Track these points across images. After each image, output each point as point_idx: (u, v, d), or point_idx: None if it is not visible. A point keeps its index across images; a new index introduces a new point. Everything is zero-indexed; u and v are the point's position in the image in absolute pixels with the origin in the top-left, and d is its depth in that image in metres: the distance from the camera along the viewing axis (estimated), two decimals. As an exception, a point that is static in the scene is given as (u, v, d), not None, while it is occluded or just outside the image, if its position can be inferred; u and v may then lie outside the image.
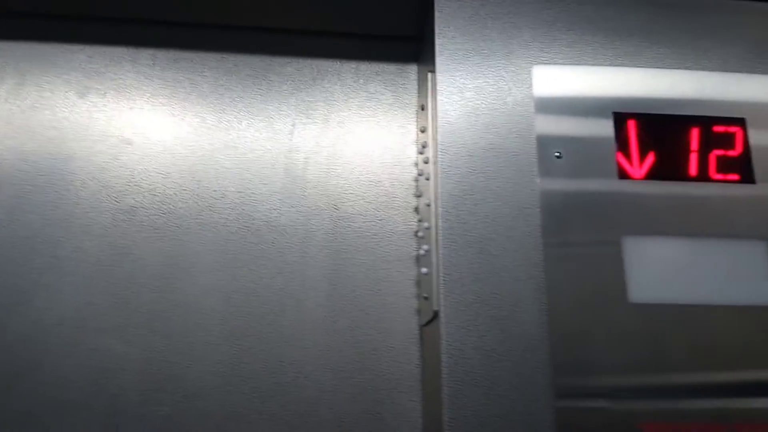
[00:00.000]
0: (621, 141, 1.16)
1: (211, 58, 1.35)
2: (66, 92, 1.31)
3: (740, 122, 1.18)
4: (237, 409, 1.13)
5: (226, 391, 1.14)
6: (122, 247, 1.21)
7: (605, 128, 1.16)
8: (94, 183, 1.25)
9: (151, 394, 1.13)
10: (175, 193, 1.25)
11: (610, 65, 1.21)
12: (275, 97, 1.33)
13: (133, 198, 1.24)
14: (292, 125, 1.31)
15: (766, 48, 1.26)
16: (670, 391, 1.02)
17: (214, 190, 1.26)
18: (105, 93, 1.32)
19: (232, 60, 1.35)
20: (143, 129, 1.29)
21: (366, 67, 1.38)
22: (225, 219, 1.24)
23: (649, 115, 1.18)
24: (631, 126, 1.17)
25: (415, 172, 1.32)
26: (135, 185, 1.25)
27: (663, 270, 1.08)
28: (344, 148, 1.31)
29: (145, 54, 1.34)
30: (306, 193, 1.27)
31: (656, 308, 1.06)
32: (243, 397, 1.14)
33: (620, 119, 1.17)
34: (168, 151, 1.28)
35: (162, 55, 1.34)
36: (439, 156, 1.15)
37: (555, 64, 1.21)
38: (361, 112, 1.34)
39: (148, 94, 1.32)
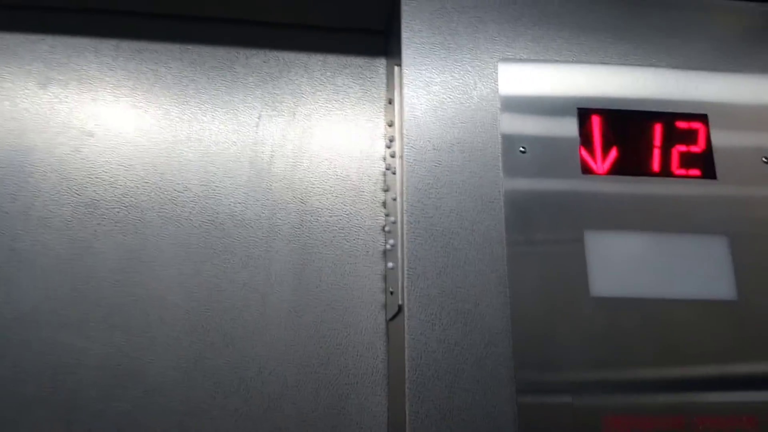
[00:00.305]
0: (584, 136, 1.16)
1: (176, 50, 1.33)
2: (27, 83, 1.28)
3: (703, 118, 1.20)
4: (199, 405, 1.12)
5: (188, 387, 1.12)
6: (82, 241, 1.19)
7: (569, 124, 1.17)
8: (55, 175, 1.23)
9: (110, 390, 1.12)
10: (138, 186, 1.23)
11: (575, 61, 1.22)
12: (241, 89, 1.32)
13: (95, 191, 1.22)
14: (258, 118, 1.30)
15: (730, 45, 1.27)
16: (631, 385, 1.03)
17: (178, 183, 1.24)
18: (67, 84, 1.29)
19: (196, 51, 1.33)
20: (105, 121, 1.27)
21: (334, 60, 1.37)
22: (188, 213, 1.22)
23: (612, 110, 1.18)
24: (595, 121, 1.17)
25: (382, 166, 1.31)
26: (96, 178, 1.23)
27: (625, 264, 1.09)
28: (311, 141, 1.30)
29: (108, 44, 1.32)
30: (272, 187, 1.26)
31: (617, 302, 1.07)
32: (205, 392, 1.13)
33: (584, 114, 1.18)
34: (130, 144, 1.26)
35: (125, 45, 1.32)
36: (405, 150, 1.14)
37: (520, 59, 1.21)
38: (329, 106, 1.33)
39: (111, 86, 1.29)
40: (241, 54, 1.34)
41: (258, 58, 1.34)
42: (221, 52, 1.34)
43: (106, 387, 1.12)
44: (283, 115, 1.31)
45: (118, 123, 1.27)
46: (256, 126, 1.30)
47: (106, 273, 1.17)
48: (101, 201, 1.22)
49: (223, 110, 1.30)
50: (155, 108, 1.29)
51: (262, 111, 1.31)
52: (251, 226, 1.23)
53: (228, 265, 1.20)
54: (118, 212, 1.21)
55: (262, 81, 1.33)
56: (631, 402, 1.02)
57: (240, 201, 1.24)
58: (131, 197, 1.22)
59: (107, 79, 1.30)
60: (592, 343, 1.04)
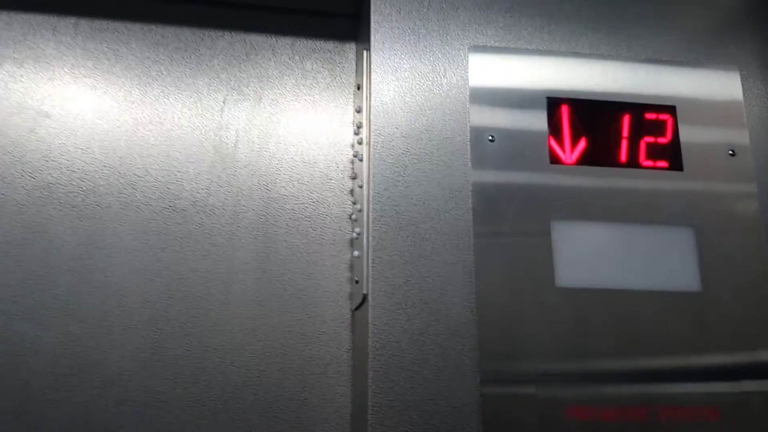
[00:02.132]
0: (554, 126, 1.16)
1: (138, 29, 1.28)
2: (-20, 61, 1.23)
3: (671, 110, 1.20)
4: (157, 396, 1.09)
5: (146, 377, 1.10)
6: (37, 226, 1.14)
7: (539, 114, 1.16)
8: (8, 157, 1.18)
9: (65, 380, 1.08)
10: (96, 170, 1.19)
11: (546, 49, 1.21)
12: (205, 72, 1.28)
13: (50, 174, 1.18)
14: (223, 102, 1.27)
15: (699, 37, 1.27)
16: (595, 376, 1.03)
17: (138, 168, 1.20)
18: (22, 62, 1.24)
19: (160, 32, 1.29)
20: (63, 101, 1.22)
21: (302, 44, 1.34)
22: (148, 198, 1.19)
23: (582, 100, 1.18)
24: (564, 111, 1.17)
25: (351, 153, 1.29)
26: (52, 161, 1.19)
27: (591, 255, 1.09)
28: (278, 126, 1.27)
29: (67, 22, 1.27)
30: (236, 173, 1.23)
31: (583, 293, 1.06)
32: (164, 382, 1.10)
33: (554, 104, 1.17)
34: (89, 126, 1.21)
35: (85, 24, 1.27)
36: (373, 137, 1.12)
37: (491, 46, 1.19)
38: (297, 91, 1.30)
39: (69, 65, 1.25)
40: (207, 36, 1.30)
41: (224, 40, 1.31)
42: (186, 34, 1.30)
43: (61, 377, 1.08)
44: (249, 100, 1.28)
45: (76, 104, 1.22)
46: (221, 110, 1.26)
47: (61, 259, 1.13)
48: (57, 185, 1.17)
49: (187, 93, 1.26)
50: (116, 89, 1.24)
51: (227, 95, 1.27)
52: (214, 213, 1.19)
53: (189, 252, 1.16)
54: (75, 197, 1.17)
55: (227, 64, 1.29)
56: (595, 393, 1.02)
57: (203, 187, 1.21)
58: (89, 181, 1.18)
59: (65, 58, 1.25)
60: (556, 334, 1.04)
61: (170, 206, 1.19)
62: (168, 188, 1.20)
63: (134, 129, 1.22)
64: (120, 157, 1.20)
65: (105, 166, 1.19)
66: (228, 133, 1.25)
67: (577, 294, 1.06)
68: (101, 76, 1.25)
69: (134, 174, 1.20)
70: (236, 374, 1.12)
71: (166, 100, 1.25)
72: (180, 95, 1.26)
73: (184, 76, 1.27)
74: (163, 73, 1.27)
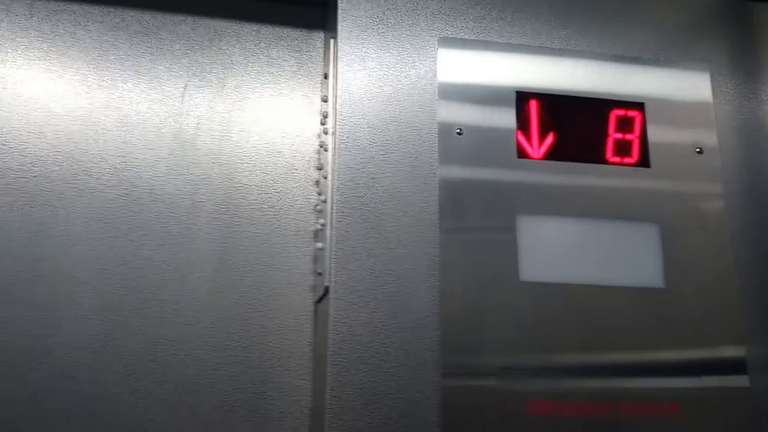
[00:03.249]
0: (522, 121, 1.14)
1: (96, 12, 1.23)
2: (-74, 40, 1.18)
3: (639, 107, 1.19)
4: (109, 388, 1.05)
5: (96, 369, 1.06)
6: (-16, 212, 1.10)
7: (507, 108, 1.15)
8: (-44, 140, 1.13)
9: (12, 372, 1.04)
10: (49, 155, 1.14)
11: (516, 43, 1.20)
12: (167, 57, 1.24)
13: (0, 159, 1.13)
14: (184, 87, 1.23)
15: (670, 35, 1.28)
16: (556, 370, 1.02)
17: (93, 154, 1.16)
18: (-27, 43, 1.19)
19: (119, 14, 1.24)
20: (15, 84, 1.17)
21: (269, 31, 1.30)
22: (103, 185, 1.14)
23: (550, 95, 1.17)
24: (533, 106, 1.16)
25: (317, 143, 1.26)
26: (3, 145, 1.14)
27: (555, 250, 1.08)
28: (241, 115, 1.24)
29: (22, 3, 1.22)
30: (196, 161, 1.19)
31: (546, 287, 1.05)
32: (116, 375, 1.06)
33: (522, 99, 1.15)
34: (42, 110, 1.17)
35: (40, 5, 1.22)
36: (338, 126, 1.10)
37: (460, 38, 1.18)
38: (262, 78, 1.27)
39: (23, 47, 1.20)
40: (169, 20, 1.26)
41: (186, 24, 1.27)
42: (147, 17, 1.25)
43: (8, 368, 1.04)
44: (212, 86, 1.24)
45: (29, 87, 1.17)
46: (182, 96, 1.22)
47: (9, 246, 1.09)
48: (7, 170, 1.12)
49: (146, 78, 1.22)
50: (71, 73, 1.20)
51: (188, 80, 1.24)
52: (172, 202, 1.16)
53: (145, 241, 1.13)
54: (26, 182, 1.12)
55: (189, 49, 1.25)
56: (556, 387, 1.01)
57: (160, 175, 1.17)
58: (41, 167, 1.14)
59: (19, 39, 1.20)
60: (519, 328, 1.02)
61: (126, 194, 1.15)
62: (124, 175, 1.16)
63: (90, 114, 1.18)
64: (75, 143, 1.16)
65: (59, 151, 1.15)
66: (188, 120, 1.21)
67: (540, 288, 1.05)
68: (56, 59, 1.20)
69: (89, 160, 1.15)
70: (192, 367, 1.08)
71: (124, 85, 1.21)
72: (139, 80, 1.22)
73: (143, 60, 1.23)
74: (121, 57, 1.22)
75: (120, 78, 1.21)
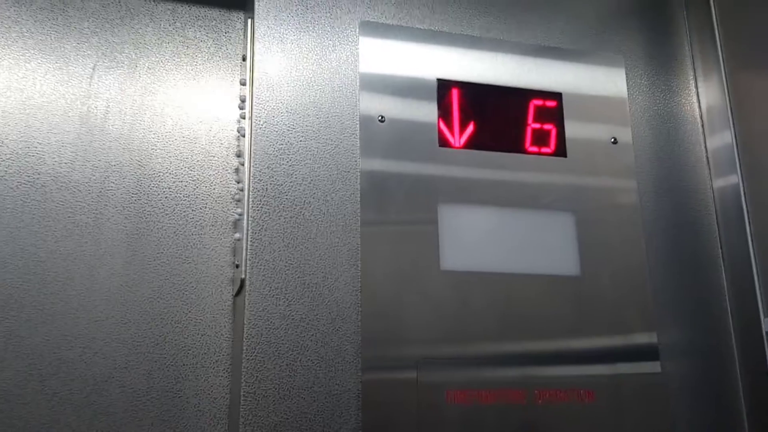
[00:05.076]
0: (443, 109, 1.14)
1: (-6, -16, 1.15)
2: None
3: (557, 97, 1.21)
4: (10, 388, 0.99)
5: (-4, 369, 0.99)
6: None
7: (429, 96, 1.14)
8: None
9: None
10: (-61, 139, 1.06)
11: (437, 30, 1.19)
12: (74, 36, 1.16)
13: None
14: (93, 68, 1.16)
15: (587, 25, 1.29)
16: (475, 359, 1.03)
17: (-10, 138, 1.08)
18: None
19: (21, -12, 1.16)
20: None
21: (185, 10, 1.24)
22: (3, 172, 1.07)
23: (471, 84, 1.17)
24: (454, 95, 1.15)
25: (236, 129, 1.22)
26: None
27: (475, 239, 1.08)
28: (154, 98, 1.18)
29: None
30: (105, 146, 1.13)
31: (466, 276, 1.06)
32: (18, 374, 1.00)
33: (443, 87, 1.15)
34: (-69, 89, 1.08)
35: (-70, -26, 1.12)
36: (255, 110, 1.07)
37: (382, 23, 1.16)
38: (177, 60, 1.21)
39: None
40: (76, -5, 1.18)
41: (96, 2, 1.19)
42: (52, -8, 1.17)
43: None
44: (123, 67, 1.17)
45: None
46: (90, 78, 1.15)
47: None
48: None
49: (52, 58, 1.14)
50: (-34, 50, 1.11)
51: (97, 61, 1.16)
52: (78, 190, 1.09)
53: (49, 233, 1.06)
54: None
55: (99, 28, 1.18)
56: (475, 376, 1.02)
57: (66, 161, 1.10)
58: (-70, 151, 1.05)
59: None
60: (438, 318, 1.02)
61: (28, 181, 1.07)
62: (26, 161, 1.08)
63: (-13, 95, 1.09)
64: (-31, 126, 1.07)
65: (-50, 135, 1.06)
66: (97, 103, 1.14)
67: (460, 277, 1.05)
68: (-51, 34, 1.11)
69: (-14, 145, 1.07)
70: (101, 365, 1.03)
71: (27, 64, 1.13)
72: (43, 60, 1.14)
73: (48, 38, 1.15)
74: (24, 35, 1.14)
75: (23, 57, 1.13)
